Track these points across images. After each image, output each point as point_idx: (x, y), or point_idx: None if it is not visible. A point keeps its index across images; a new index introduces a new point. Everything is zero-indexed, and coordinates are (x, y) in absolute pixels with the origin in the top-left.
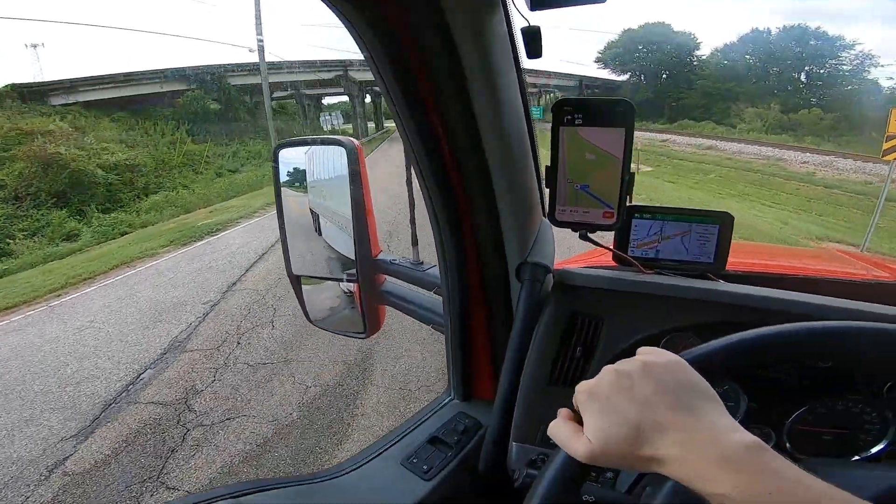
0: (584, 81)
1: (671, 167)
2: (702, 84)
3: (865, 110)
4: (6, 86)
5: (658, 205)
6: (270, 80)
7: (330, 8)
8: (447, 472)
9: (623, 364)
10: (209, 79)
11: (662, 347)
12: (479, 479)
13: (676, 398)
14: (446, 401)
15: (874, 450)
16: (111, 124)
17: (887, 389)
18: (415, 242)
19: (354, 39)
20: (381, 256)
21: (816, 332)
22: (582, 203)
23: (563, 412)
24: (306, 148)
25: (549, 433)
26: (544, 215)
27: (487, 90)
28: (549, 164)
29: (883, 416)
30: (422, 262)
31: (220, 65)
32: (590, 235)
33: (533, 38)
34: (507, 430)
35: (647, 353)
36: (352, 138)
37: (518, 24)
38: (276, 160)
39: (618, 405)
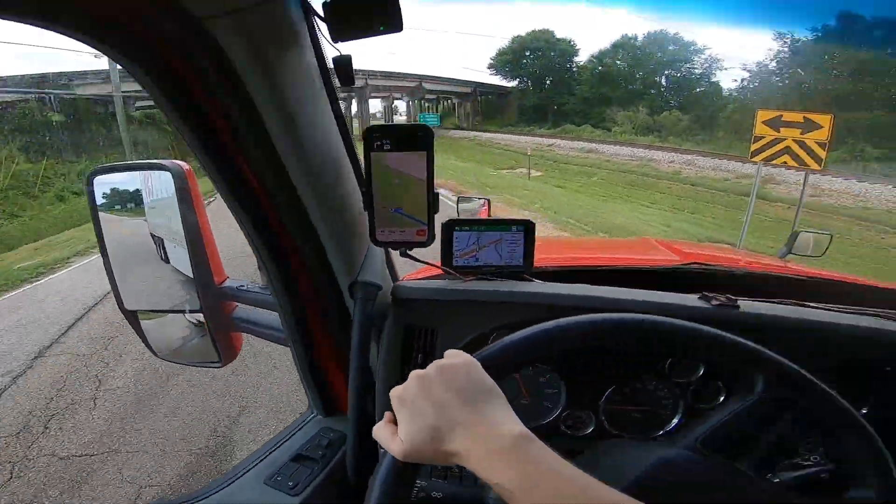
0: (478, 87)
1: (558, 171)
2: (580, 90)
3: (713, 111)
4: None
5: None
6: (135, 89)
7: (115, 60)
8: (314, 486)
9: (427, 368)
10: (48, 88)
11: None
12: (348, 489)
13: (466, 397)
14: (309, 418)
15: (671, 425)
16: None
17: (668, 367)
18: (261, 266)
19: (144, 88)
20: (227, 283)
21: (580, 326)
22: (398, 223)
23: (387, 415)
24: (128, 174)
25: (374, 435)
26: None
27: (289, 124)
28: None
29: (673, 392)
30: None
31: (63, 72)
32: (410, 252)
33: (344, 67)
34: (366, 439)
35: (446, 356)
36: (178, 161)
37: (331, 53)
38: (90, 186)
39: (420, 408)
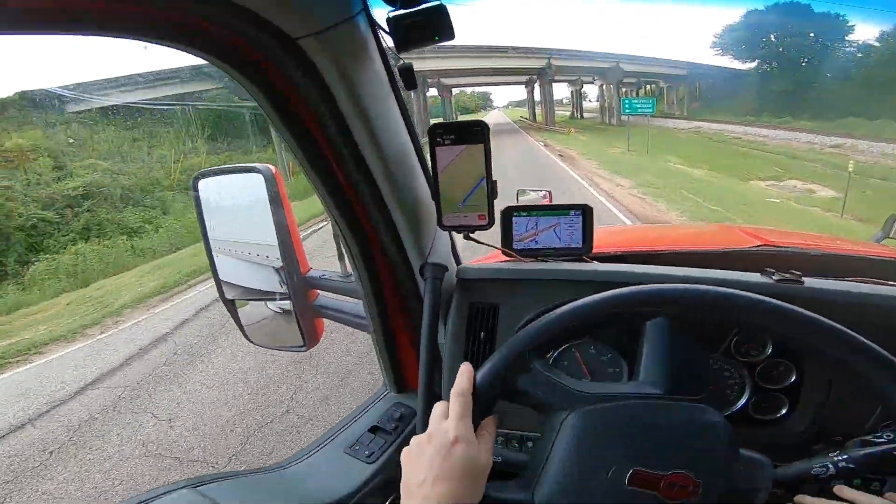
0: (695, 70)
1: (886, 195)
2: (863, 73)
3: None
4: (14, 94)
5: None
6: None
7: (223, 70)
8: (388, 455)
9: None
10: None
11: None
12: None
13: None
14: (383, 394)
15: (738, 405)
16: (121, 132)
17: (734, 345)
18: (341, 257)
19: (254, 99)
20: (310, 273)
21: (605, 301)
22: (462, 209)
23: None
24: (227, 177)
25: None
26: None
27: (366, 126)
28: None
29: (740, 373)
30: (350, 274)
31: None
32: (472, 235)
33: (406, 74)
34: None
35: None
36: (269, 164)
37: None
38: (196, 190)
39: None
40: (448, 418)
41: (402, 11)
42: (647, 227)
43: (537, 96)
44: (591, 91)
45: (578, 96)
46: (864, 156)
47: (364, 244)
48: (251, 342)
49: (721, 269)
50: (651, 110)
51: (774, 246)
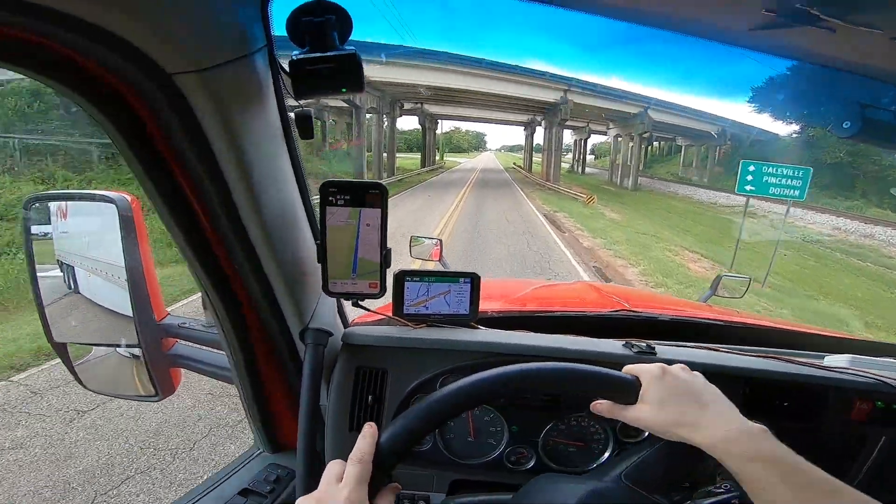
0: (728, 130)
1: None
2: None
3: None
4: None
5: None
6: None
7: (85, 110)
8: None
9: (671, 368)
10: None
11: (438, 388)
12: None
13: (707, 395)
14: (256, 454)
15: (603, 458)
16: None
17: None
18: (205, 305)
19: (109, 136)
20: (167, 320)
21: (503, 378)
22: (352, 276)
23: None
24: (71, 203)
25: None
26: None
27: (246, 177)
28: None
29: (604, 428)
30: (213, 325)
31: None
32: (361, 303)
33: (304, 122)
34: (315, 476)
35: (682, 367)
36: (125, 193)
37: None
38: (27, 213)
39: (675, 390)
40: (342, 483)
41: (310, 55)
42: (522, 283)
43: (538, 139)
44: (597, 140)
45: (583, 147)
46: None
47: (233, 304)
48: (86, 388)
49: (590, 330)
50: (800, 195)
51: (631, 310)
